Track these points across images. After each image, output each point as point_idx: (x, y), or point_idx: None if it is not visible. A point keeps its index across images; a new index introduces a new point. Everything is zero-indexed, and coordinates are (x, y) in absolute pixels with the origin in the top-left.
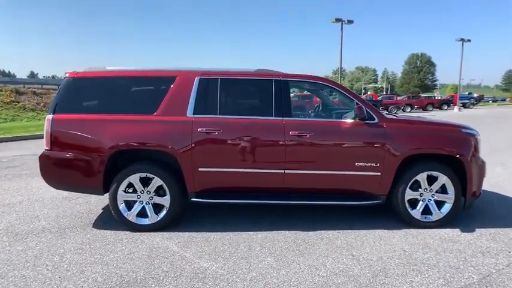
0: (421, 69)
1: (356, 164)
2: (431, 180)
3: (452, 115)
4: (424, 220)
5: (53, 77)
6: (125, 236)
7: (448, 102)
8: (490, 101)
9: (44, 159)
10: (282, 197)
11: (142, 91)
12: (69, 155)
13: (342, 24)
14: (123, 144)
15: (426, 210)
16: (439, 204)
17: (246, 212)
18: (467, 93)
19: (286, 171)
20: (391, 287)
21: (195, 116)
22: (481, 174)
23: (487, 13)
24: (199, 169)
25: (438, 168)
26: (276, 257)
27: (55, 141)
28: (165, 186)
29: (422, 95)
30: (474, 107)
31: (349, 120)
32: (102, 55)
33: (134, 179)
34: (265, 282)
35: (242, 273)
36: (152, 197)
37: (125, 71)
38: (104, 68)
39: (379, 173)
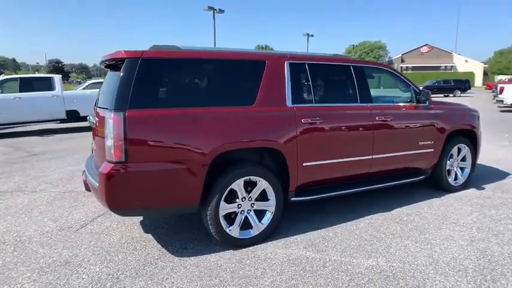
0: None
1: (419, 143)
2: (458, 151)
3: None
4: (455, 185)
5: None
6: (234, 255)
7: None
8: None
9: (115, 177)
10: (367, 183)
11: (233, 77)
12: (156, 166)
13: (214, 12)
14: (230, 144)
15: (454, 177)
16: (461, 170)
17: (313, 204)
18: None
19: (373, 156)
20: None
21: (295, 105)
22: (480, 144)
23: (323, 9)
24: (304, 164)
25: (463, 141)
26: (408, 239)
27: (133, 150)
28: (269, 189)
29: None
30: None
31: (412, 104)
32: None
33: (238, 185)
34: (442, 261)
35: (409, 261)
36: (254, 203)
37: (210, 52)
38: (176, 47)
39: (432, 150)
